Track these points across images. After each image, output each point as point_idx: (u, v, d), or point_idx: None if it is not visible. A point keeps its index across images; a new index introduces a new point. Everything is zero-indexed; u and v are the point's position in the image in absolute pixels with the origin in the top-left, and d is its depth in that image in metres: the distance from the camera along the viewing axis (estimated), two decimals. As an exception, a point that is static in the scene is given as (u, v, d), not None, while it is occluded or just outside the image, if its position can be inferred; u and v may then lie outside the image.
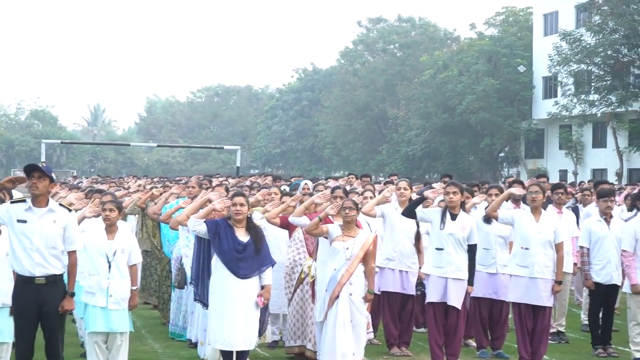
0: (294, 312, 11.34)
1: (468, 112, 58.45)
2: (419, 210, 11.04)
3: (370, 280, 10.41)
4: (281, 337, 12.22)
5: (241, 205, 9.96)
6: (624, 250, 11.42)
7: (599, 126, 55.92)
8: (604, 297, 12.18)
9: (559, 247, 11.03)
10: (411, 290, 11.79)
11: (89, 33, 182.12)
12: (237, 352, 9.86)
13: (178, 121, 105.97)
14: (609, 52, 49.78)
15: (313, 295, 10.94)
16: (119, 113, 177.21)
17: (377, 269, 11.85)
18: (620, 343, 12.55)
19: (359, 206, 10.89)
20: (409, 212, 11.06)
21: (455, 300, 10.75)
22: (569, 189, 17.59)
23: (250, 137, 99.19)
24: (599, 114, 52.18)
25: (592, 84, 51.51)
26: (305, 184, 15.89)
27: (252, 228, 10.10)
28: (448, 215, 10.85)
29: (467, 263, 10.84)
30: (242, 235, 9.98)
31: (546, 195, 13.25)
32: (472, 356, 11.91)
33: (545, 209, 11.37)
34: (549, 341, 12.96)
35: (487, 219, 11.55)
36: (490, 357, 11.87)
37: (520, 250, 11.04)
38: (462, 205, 10.99)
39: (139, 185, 20.00)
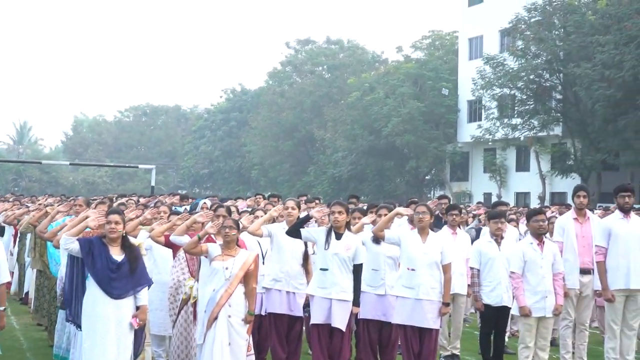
0: (177, 334, 11.01)
1: (393, 134, 58.64)
2: (304, 230, 10.80)
3: (251, 301, 10.15)
4: (167, 360, 11.89)
5: (116, 223, 9.63)
6: (512, 272, 11.29)
7: (523, 150, 56.47)
8: (495, 319, 12.04)
9: (446, 269, 10.86)
10: (298, 311, 11.52)
11: (15, 49, 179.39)
12: (111, 375, 9.51)
13: (105, 140, 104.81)
14: (532, 77, 50.33)
15: (195, 317, 10.62)
16: (46, 131, 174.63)
17: (263, 290, 11.66)
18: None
19: (240, 226, 10.63)
20: (294, 231, 10.83)
21: (340, 321, 10.52)
22: (479, 211, 17.57)
23: (178, 157, 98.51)
24: (522, 138, 52.71)
25: (515, 108, 52.03)
26: (204, 203, 15.65)
27: (128, 247, 9.76)
28: (333, 235, 10.63)
29: (353, 284, 10.61)
30: (117, 254, 9.64)
31: (461, 216, 13.22)
32: (361, 379, 11.65)
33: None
34: (444, 364, 12.97)
35: (376, 240, 11.33)
36: (379, 380, 11.63)
37: (406, 271, 10.85)
38: (348, 225, 10.78)
39: (40, 204, 19.50)
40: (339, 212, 10.62)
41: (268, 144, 74.50)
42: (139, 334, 9.99)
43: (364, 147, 62.66)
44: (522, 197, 55.84)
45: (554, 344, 12.91)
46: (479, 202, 29.22)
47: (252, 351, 10.94)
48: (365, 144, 62.27)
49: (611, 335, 11.55)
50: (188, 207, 18.05)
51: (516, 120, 51.68)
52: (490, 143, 56.24)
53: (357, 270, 10.68)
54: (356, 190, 66.47)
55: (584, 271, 12.09)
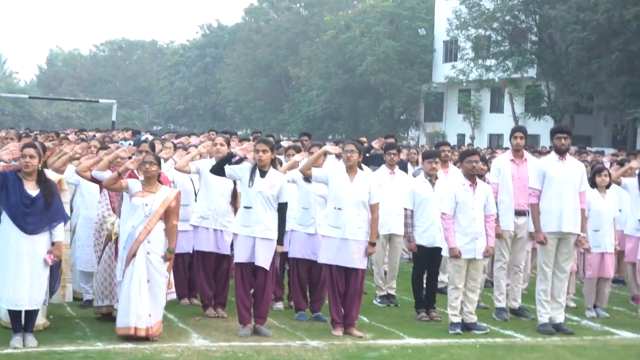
0: (102, 271, 10.78)
1: (368, 73, 58.30)
2: (228, 167, 10.55)
3: (171, 239, 9.95)
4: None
5: (30, 157, 9.37)
6: (442, 213, 11.08)
7: (497, 92, 56.26)
8: (428, 259, 11.86)
9: (373, 208, 10.67)
10: (226, 249, 11.32)
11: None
12: (26, 311, 9.32)
13: (79, 75, 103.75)
14: (507, 18, 49.98)
15: (116, 253, 10.40)
16: (21, 65, 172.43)
17: (191, 227, 11.46)
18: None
19: (162, 161, 10.39)
20: (217, 169, 10.57)
21: (263, 260, 10.31)
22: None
23: (153, 92, 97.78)
24: (496, 80, 52.48)
25: (490, 50, 51.72)
26: (146, 137, 15.38)
27: (43, 182, 9.51)
28: (257, 173, 10.39)
29: (277, 222, 10.40)
30: (32, 189, 9.40)
31: (399, 156, 12.98)
32: (291, 318, 11.50)
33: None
34: (378, 303, 12.83)
35: (307, 178, 11.09)
36: (309, 320, 11.48)
37: (333, 211, 10.65)
38: (273, 162, 10.54)
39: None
40: (263, 151, 10.37)
41: (243, 81, 73.96)
42: (55, 271, 9.79)
43: (338, 86, 62.27)
44: (496, 139, 55.69)
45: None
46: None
47: (173, 289, 10.78)
48: (340, 82, 61.87)
49: (543, 277, 11.39)
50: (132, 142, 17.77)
51: (491, 62, 51.38)
52: (464, 84, 55.97)
53: (282, 208, 10.46)
54: (330, 129, 66.35)
55: (519, 213, 11.87)
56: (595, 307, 12.71)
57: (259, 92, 73.81)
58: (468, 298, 11.17)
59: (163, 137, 19.21)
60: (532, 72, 51.06)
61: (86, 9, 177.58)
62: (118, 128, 27.92)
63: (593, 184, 12.72)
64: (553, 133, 11.55)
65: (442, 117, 61.21)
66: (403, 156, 17.43)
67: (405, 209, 11.93)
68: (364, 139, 17.03)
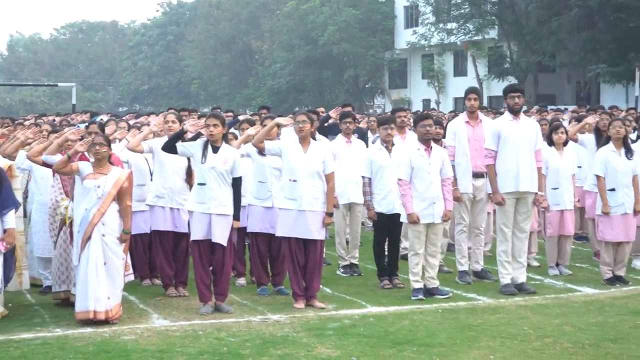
0: (57, 256, 10.65)
1: (330, 43, 58.07)
2: (179, 144, 10.44)
3: (126, 220, 9.83)
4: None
5: (-23, 144, 9.22)
6: (399, 179, 11.01)
7: (460, 55, 56.26)
8: (388, 227, 11.79)
9: (328, 178, 10.60)
10: (183, 228, 11.19)
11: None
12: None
13: (41, 59, 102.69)
14: (467, -20, 49.90)
15: (72, 237, 10.27)
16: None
17: (147, 207, 11.36)
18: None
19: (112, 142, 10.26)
20: (169, 147, 10.44)
21: (220, 236, 10.22)
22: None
23: (117, 74, 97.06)
24: (458, 43, 52.44)
25: (451, 13, 51.63)
26: (101, 119, 15.21)
27: (-9, 169, 9.37)
28: (210, 149, 10.27)
29: (232, 197, 10.30)
30: (-21, 177, 9.25)
31: (355, 124, 12.87)
32: (253, 294, 11.44)
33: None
34: (341, 274, 12.78)
35: (262, 151, 10.99)
36: (271, 294, 11.41)
37: (288, 183, 10.57)
38: (225, 137, 10.43)
39: None
40: (214, 125, 10.24)
41: (206, 57, 73.53)
42: (9, 259, 9.68)
43: (301, 57, 62.01)
44: (461, 102, 55.59)
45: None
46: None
47: (131, 270, 10.67)
48: (303, 54, 61.61)
49: (503, 238, 11.37)
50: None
51: (451, 25, 51.32)
52: (427, 49, 55.93)
53: (237, 183, 10.36)
54: (296, 101, 66.08)
55: (477, 175, 11.84)
56: (557, 264, 12.71)
57: (222, 68, 73.43)
58: (429, 263, 11.14)
59: (123, 118, 19.09)
60: (493, 33, 51.14)
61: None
62: (78, 111, 27.57)
63: (550, 141, 12.69)
64: (506, 92, 11.51)
65: (407, 84, 61.20)
66: (363, 124, 17.42)
67: (363, 177, 11.85)
68: (321, 109, 16.91)
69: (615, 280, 11.85)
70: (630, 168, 11.85)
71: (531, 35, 46.59)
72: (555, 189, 12.53)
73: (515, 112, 11.34)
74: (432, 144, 11.16)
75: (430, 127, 11.02)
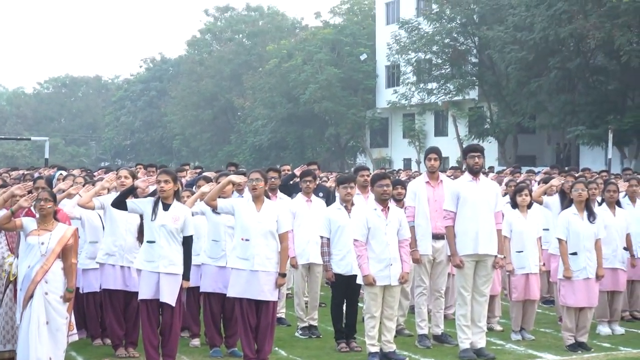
0: (3, 314, 10.34)
1: (312, 101, 58.08)
2: (129, 201, 10.20)
3: (70, 278, 9.54)
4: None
5: None
6: (355, 240, 10.77)
7: (441, 115, 56.31)
8: (346, 288, 11.51)
9: (282, 238, 10.36)
10: (134, 287, 10.89)
11: None
12: None
13: (24, 113, 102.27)
14: (447, 41, 50.08)
15: (15, 295, 9.97)
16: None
17: (97, 265, 11.08)
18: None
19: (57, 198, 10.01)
20: (118, 203, 10.21)
21: (169, 296, 9.96)
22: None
23: (100, 128, 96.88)
24: (439, 103, 52.54)
25: (432, 73, 51.77)
26: (60, 174, 14.97)
27: None
28: (160, 206, 10.04)
29: (182, 256, 10.04)
30: None
31: (315, 182, 12.65)
32: (206, 355, 11.13)
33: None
34: (299, 335, 12.48)
35: (214, 209, 10.73)
36: (224, 356, 11.11)
37: (240, 242, 10.32)
38: (177, 194, 10.20)
39: None
40: (165, 181, 10.03)
41: (188, 113, 73.47)
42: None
43: (283, 115, 61.99)
44: (442, 162, 55.55)
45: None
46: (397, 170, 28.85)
47: (75, 330, 10.35)
48: (284, 111, 61.60)
49: (462, 302, 11.12)
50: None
51: (432, 85, 51.43)
52: (408, 108, 56.05)
53: (187, 242, 10.13)
54: (278, 159, 65.82)
55: (437, 236, 11.60)
56: (521, 329, 12.43)
57: (205, 124, 73.37)
58: (386, 326, 10.87)
59: (94, 173, 18.85)
60: (473, 93, 51.19)
61: (28, 46, 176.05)
62: (48, 166, 27.26)
63: (515, 203, 12.49)
64: (466, 152, 11.34)
65: (388, 143, 61.14)
66: (331, 183, 17.19)
67: (322, 237, 11.59)
68: (286, 167, 16.74)
69: (578, 346, 11.59)
70: (593, 232, 11.62)
71: (511, 97, 46.64)
72: (519, 252, 12.29)
73: (474, 173, 11.15)
74: (390, 204, 10.93)
75: (387, 187, 10.80)
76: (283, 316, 13.59)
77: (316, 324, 12.70)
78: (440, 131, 57.09)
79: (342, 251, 11.41)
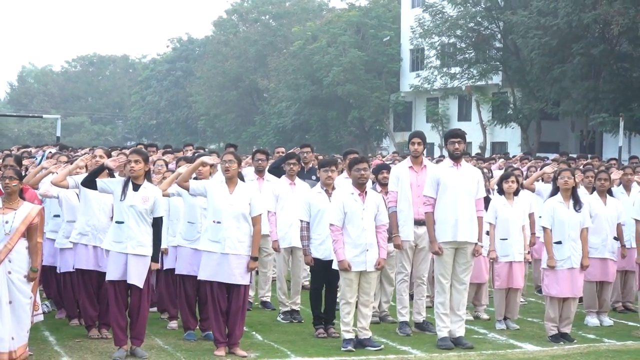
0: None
1: (335, 84, 57.79)
2: (99, 180, 10.04)
3: (35, 257, 9.40)
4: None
5: None
6: (331, 224, 10.57)
7: (464, 100, 55.87)
8: (325, 273, 11.28)
9: (255, 221, 10.18)
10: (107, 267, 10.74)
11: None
12: None
13: (51, 91, 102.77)
14: (471, 25, 49.57)
15: (-18, 274, 9.83)
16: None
17: (70, 245, 10.94)
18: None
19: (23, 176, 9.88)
20: (88, 182, 10.06)
21: (137, 278, 9.82)
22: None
23: (126, 107, 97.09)
24: (462, 87, 52.12)
25: (455, 57, 51.30)
26: (50, 152, 14.87)
27: None
28: (130, 186, 9.88)
29: (152, 238, 9.89)
30: None
31: (299, 165, 12.48)
32: (179, 338, 10.99)
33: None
34: (281, 320, 12.32)
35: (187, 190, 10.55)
36: (198, 339, 10.95)
37: (212, 224, 10.14)
38: (148, 175, 10.04)
39: None
40: (135, 161, 9.87)
41: (213, 94, 73.39)
42: None
43: (306, 97, 61.76)
44: (425, 147, 55.06)
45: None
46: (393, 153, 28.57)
47: (40, 310, 10.21)
48: (308, 93, 61.35)
49: (440, 289, 10.88)
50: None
51: (455, 69, 50.97)
52: (432, 92, 55.58)
53: (157, 223, 9.98)
54: (302, 140, 65.49)
55: (419, 222, 11.34)
56: (506, 318, 12.20)
57: (229, 105, 73.28)
58: (361, 313, 10.68)
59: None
60: (497, 79, 50.74)
61: (58, 24, 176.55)
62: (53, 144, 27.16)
63: (501, 190, 12.24)
64: (446, 138, 11.08)
65: (411, 127, 60.68)
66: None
67: (301, 221, 11.38)
68: (280, 149, 16.57)
69: (560, 337, 11.33)
70: (578, 221, 11.32)
71: (535, 82, 46.12)
72: (504, 239, 12.04)
73: (455, 158, 10.90)
74: (367, 188, 10.71)
75: (364, 171, 10.58)
76: (268, 300, 13.42)
77: (298, 309, 12.52)
78: (464, 116, 56.67)
79: (322, 236, 11.19)
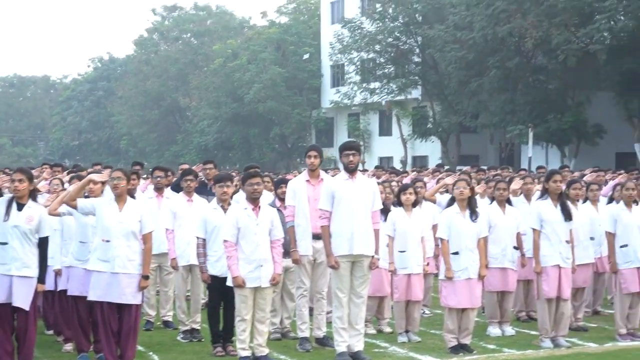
0: None
1: (256, 101, 57.72)
2: (-21, 201, 9.77)
3: None
4: None
5: None
6: (224, 240, 10.42)
7: (385, 115, 56.16)
8: (222, 290, 11.08)
9: (146, 239, 9.99)
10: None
11: None
12: None
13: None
14: (389, 40, 49.91)
15: None
16: None
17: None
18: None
19: None
20: (-29, 203, 9.78)
21: (22, 300, 9.55)
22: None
23: (47, 129, 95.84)
24: (383, 103, 52.38)
25: (375, 72, 51.60)
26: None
27: None
28: (14, 206, 9.62)
29: (38, 258, 9.63)
30: None
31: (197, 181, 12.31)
32: (73, 361, 10.73)
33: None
34: (181, 339, 12.13)
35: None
36: (91, 362, 10.70)
37: (101, 243, 9.92)
38: (32, 194, 9.79)
39: None
40: (19, 180, 9.64)
41: (135, 113, 72.96)
42: None
43: (228, 115, 61.65)
44: (386, 162, 55.44)
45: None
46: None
47: None
48: (230, 111, 61.27)
49: (338, 304, 10.75)
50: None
51: (375, 84, 51.25)
52: (353, 108, 55.82)
53: (43, 243, 9.74)
54: (225, 159, 65.55)
55: (317, 236, 11.19)
56: (407, 331, 12.13)
57: (151, 124, 72.83)
58: (257, 330, 10.53)
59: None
60: (416, 93, 51.16)
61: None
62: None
63: (399, 202, 12.20)
64: (340, 150, 10.97)
65: (333, 142, 60.82)
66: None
67: (197, 238, 11.19)
68: (184, 167, 16.36)
69: (460, 348, 11.27)
70: (475, 231, 11.28)
71: (453, 96, 46.64)
72: (402, 251, 11.98)
73: (350, 171, 10.80)
74: (261, 203, 10.58)
75: (257, 186, 10.46)
76: (170, 319, 13.19)
77: (199, 327, 12.31)
78: (385, 131, 56.98)
79: (218, 252, 11.00)
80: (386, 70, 50.93)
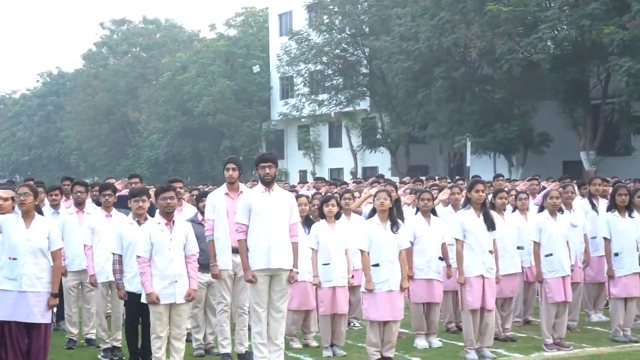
0: None
1: (206, 114, 57.45)
2: None
3: None
4: None
5: None
6: (137, 256, 10.18)
7: (335, 126, 56.14)
8: (139, 307, 10.81)
9: (55, 256, 9.82)
10: None
11: None
12: None
13: None
14: (337, 52, 49.93)
15: None
16: None
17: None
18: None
19: None
20: None
21: (40, 316, 9.63)
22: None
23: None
24: (332, 114, 52.35)
25: (323, 84, 51.59)
26: None
27: None
28: (22, 221, 9.56)
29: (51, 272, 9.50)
30: None
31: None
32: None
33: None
34: (102, 358, 11.93)
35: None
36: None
37: (8, 261, 9.67)
38: (38, 208, 9.63)
39: None
40: (25, 194, 9.63)
41: (85, 128, 72.39)
42: None
43: (178, 128, 61.35)
44: (337, 173, 55.43)
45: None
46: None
47: None
48: (179, 124, 60.98)
49: (257, 319, 10.53)
50: None
51: (323, 96, 51.23)
52: (302, 120, 55.76)
53: (56, 256, 9.70)
54: (175, 173, 64.87)
55: (237, 250, 10.97)
56: (333, 345, 11.96)
57: (101, 139, 72.26)
58: (174, 347, 10.30)
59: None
60: (365, 104, 51.20)
61: None
62: None
63: (322, 214, 12.04)
64: (257, 163, 10.80)
65: (284, 154, 60.69)
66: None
67: (113, 254, 10.95)
68: (111, 181, 16.09)
69: (383, 361, 11.12)
70: (396, 242, 11.10)
71: (401, 107, 46.67)
72: (326, 264, 11.82)
73: (267, 184, 10.62)
74: (175, 217, 10.36)
75: (171, 200, 10.24)
76: (93, 337, 12.89)
77: (120, 345, 12.04)
78: (335, 142, 56.94)
79: (134, 268, 10.72)
80: (334, 82, 50.97)
